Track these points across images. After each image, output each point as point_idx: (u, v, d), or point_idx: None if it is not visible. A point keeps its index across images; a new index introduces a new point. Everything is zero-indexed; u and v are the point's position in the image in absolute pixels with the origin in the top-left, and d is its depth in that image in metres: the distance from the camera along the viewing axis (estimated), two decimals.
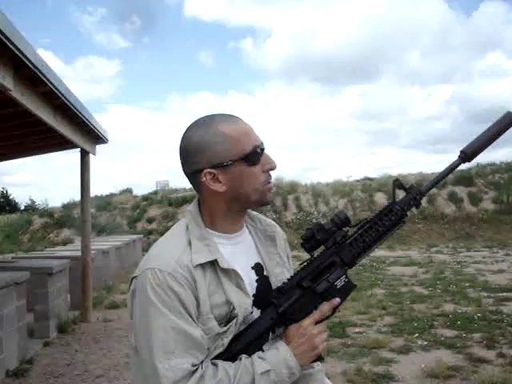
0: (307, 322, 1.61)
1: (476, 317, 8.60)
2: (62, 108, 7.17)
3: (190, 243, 1.60)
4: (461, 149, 1.77)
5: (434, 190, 26.25)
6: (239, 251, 1.70)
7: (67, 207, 28.87)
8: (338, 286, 1.66)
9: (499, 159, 35.48)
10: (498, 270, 14.20)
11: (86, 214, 9.85)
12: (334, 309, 1.67)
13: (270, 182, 1.65)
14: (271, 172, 1.65)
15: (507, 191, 25.80)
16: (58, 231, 27.25)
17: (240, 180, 1.60)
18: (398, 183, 1.73)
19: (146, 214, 27.35)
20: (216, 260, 1.58)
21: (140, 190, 32.03)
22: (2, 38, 4.21)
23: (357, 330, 8.21)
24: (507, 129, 1.81)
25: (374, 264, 16.42)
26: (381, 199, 26.40)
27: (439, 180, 1.79)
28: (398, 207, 1.72)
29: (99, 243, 15.82)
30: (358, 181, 30.56)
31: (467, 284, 11.99)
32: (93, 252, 11.39)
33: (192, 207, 1.71)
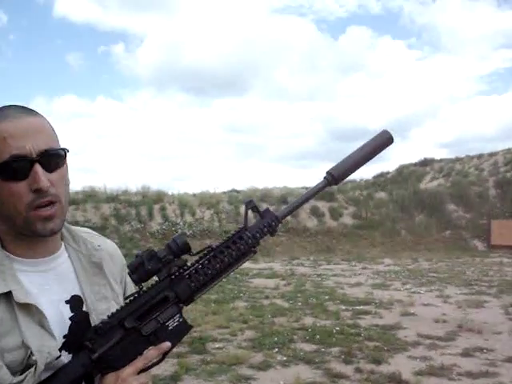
0: (128, 371, 1.29)
1: (334, 330, 8.67)
2: None
3: None
4: (328, 170, 1.56)
5: None
6: (50, 281, 1.35)
7: None
8: (169, 328, 1.36)
9: (360, 176, 37.02)
10: (355, 283, 14.60)
11: None
12: (164, 354, 1.37)
13: (40, 207, 1.26)
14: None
15: (365, 207, 26.95)
16: None
17: None
18: (251, 206, 1.47)
19: None
20: (10, 292, 1.23)
21: None
22: None
23: (217, 345, 7.96)
24: (383, 149, 1.62)
25: (238, 276, 16.32)
26: None
27: (300, 204, 1.55)
28: (248, 234, 1.45)
29: None
30: (224, 192, 30.59)
31: (327, 297, 12.17)
32: None
33: None
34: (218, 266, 1.40)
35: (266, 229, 1.48)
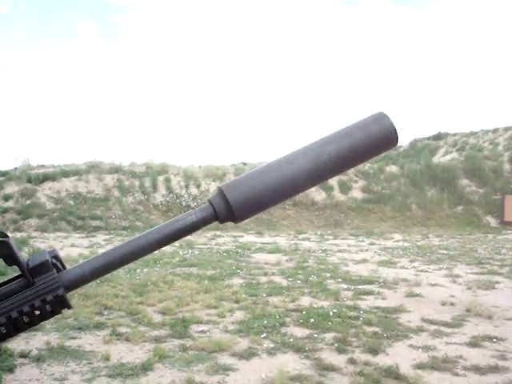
0: None
1: (331, 313, 8.00)
2: None
3: None
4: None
5: None
6: None
7: None
8: None
9: None
10: (361, 260, 13.93)
11: None
12: None
13: None
14: None
15: (376, 181, 26.16)
16: None
17: None
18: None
19: (2, 191, 25.07)
20: None
21: (3, 166, 29.37)
22: None
23: (201, 328, 7.32)
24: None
25: (239, 250, 15.72)
26: None
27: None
28: None
29: None
30: (233, 165, 29.91)
31: (328, 274, 11.51)
32: None
33: None
34: None
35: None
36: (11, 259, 0.87)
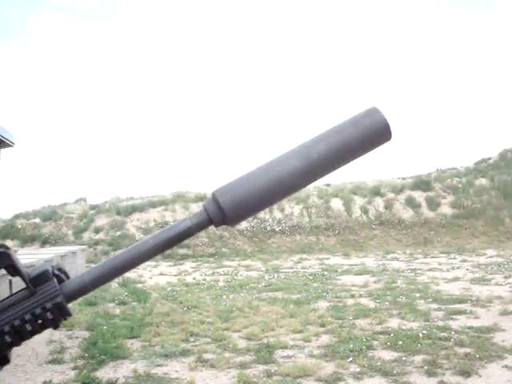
0: None
1: (421, 334, 7.71)
2: None
3: None
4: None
5: (391, 195, 25.63)
6: None
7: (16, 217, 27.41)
8: None
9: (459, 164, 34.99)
10: (453, 278, 13.44)
11: None
12: None
13: None
14: None
15: (465, 195, 25.29)
16: None
17: None
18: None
19: (93, 224, 26.04)
20: None
21: (95, 200, 30.60)
22: None
23: (286, 353, 7.22)
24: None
25: (325, 273, 15.55)
26: (337, 205, 25.73)
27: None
28: None
29: (24, 256, 14.58)
30: (316, 187, 29.79)
31: (418, 295, 11.15)
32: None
33: None
34: None
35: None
36: (13, 270, 0.92)
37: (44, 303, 0.91)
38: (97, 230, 25.49)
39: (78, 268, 18.75)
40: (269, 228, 24.39)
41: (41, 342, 8.11)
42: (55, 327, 0.94)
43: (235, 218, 0.95)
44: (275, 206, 25.84)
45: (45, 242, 24.51)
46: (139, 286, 14.50)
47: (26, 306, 0.92)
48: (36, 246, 23.79)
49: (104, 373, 6.43)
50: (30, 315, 0.91)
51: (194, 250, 22.77)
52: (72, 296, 0.95)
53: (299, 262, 19.18)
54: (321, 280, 14.23)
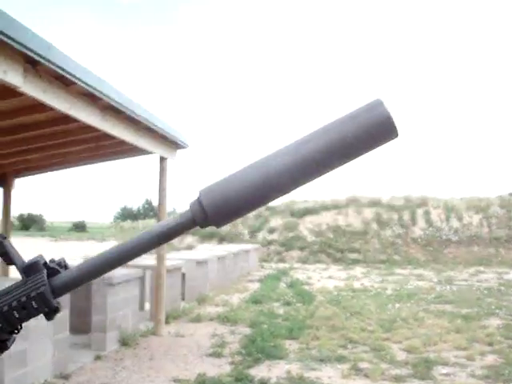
0: None
1: None
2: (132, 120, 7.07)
3: None
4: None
5: None
6: None
7: None
8: None
9: None
10: None
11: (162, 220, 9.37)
12: None
13: None
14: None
15: None
16: (181, 237, 27.51)
17: None
18: None
19: (267, 224, 26.82)
20: None
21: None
22: None
23: (446, 370, 6.90)
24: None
25: (502, 288, 14.61)
26: None
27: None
28: None
29: (197, 253, 15.44)
30: (499, 196, 28.10)
31: None
32: (179, 262, 10.98)
33: None
34: None
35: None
36: (7, 258, 0.95)
37: (30, 292, 0.94)
38: (271, 231, 26.23)
39: (250, 265, 19.46)
40: (444, 237, 23.45)
41: (205, 335, 8.53)
42: (47, 319, 0.97)
43: (218, 219, 0.87)
44: (452, 214, 24.78)
45: (222, 239, 25.74)
46: (306, 287, 14.66)
47: (16, 294, 0.96)
48: (214, 243, 25.03)
49: (258, 371, 6.59)
50: (16, 302, 0.95)
51: (365, 256, 22.56)
52: (59, 288, 0.96)
53: (475, 275, 18.21)
54: (496, 295, 13.40)
